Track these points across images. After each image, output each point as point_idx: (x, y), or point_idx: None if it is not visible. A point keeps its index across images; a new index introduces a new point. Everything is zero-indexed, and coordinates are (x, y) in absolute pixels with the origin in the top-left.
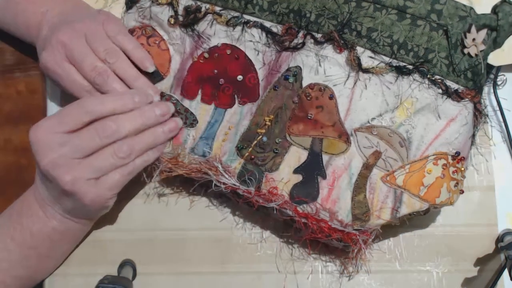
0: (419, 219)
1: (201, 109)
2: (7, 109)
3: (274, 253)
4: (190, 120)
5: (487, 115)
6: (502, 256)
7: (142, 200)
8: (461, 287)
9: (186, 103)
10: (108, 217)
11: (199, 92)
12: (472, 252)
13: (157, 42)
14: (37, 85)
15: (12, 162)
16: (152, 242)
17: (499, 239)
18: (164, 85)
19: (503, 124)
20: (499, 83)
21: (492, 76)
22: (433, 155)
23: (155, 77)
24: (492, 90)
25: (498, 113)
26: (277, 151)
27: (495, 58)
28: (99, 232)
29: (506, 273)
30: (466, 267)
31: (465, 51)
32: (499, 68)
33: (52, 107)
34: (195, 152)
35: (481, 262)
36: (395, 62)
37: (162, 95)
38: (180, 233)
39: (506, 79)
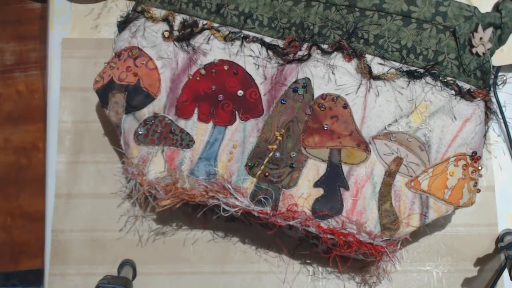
0: None
1: (198, 129)
2: (7, 109)
3: (274, 253)
4: (186, 141)
5: (496, 113)
6: (502, 256)
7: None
8: (461, 287)
9: (182, 123)
10: (109, 217)
11: (196, 111)
12: (472, 252)
13: (144, 62)
14: (37, 85)
15: (12, 161)
16: (152, 242)
17: (499, 239)
18: (157, 105)
19: (503, 124)
20: (499, 83)
21: (492, 76)
22: (453, 156)
23: (145, 98)
24: (492, 90)
25: (498, 113)
26: (293, 165)
27: (495, 58)
28: (99, 232)
29: (506, 273)
30: (466, 267)
31: (473, 50)
32: (499, 68)
33: (52, 107)
34: (196, 174)
35: (481, 262)
36: (405, 67)
37: (156, 116)
38: (180, 233)
39: (506, 79)
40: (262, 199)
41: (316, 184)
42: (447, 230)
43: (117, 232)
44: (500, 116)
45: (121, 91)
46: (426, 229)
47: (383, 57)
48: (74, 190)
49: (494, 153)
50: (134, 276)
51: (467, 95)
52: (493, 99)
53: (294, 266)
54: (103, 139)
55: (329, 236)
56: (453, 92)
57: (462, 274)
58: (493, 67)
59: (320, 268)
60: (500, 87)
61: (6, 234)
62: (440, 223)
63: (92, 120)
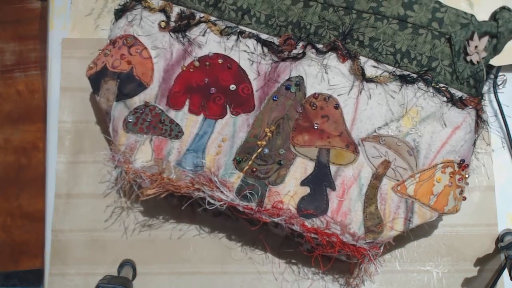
0: None
1: (188, 120)
2: (7, 109)
3: (274, 253)
4: (175, 132)
5: (487, 122)
6: (502, 256)
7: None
8: (461, 287)
9: (172, 114)
10: (108, 217)
11: (187, 102)
12: (472, 252)
13: (139, 51)
14: (37, 85)
15: (12, 162)
16: (152, 242)
17: (499, 239)
18: (149, 95)
19: (503, 124)
20: (499, 83)
21: (492, 76)
22: (441, 163)
23: (137, 86)
24: (492, 90)
25: (498, 113)
26: (281, 162)
27: (495, 58)
28: (99, 232)
29: (506, 273)
30: (466, 267)
31: (468, 58)
32: (499, 68)
33: (52, 107)
34: (183, 165)
35: (481, 262)
36: (399, 71)
37: (147, 105)
38: (180, 233)
39: (506, 79)
40: (248, 194)
41: (303, 183)
42: (447, 230)
43: (117, 232)
44: (500, 116)
45: (113, 78)
46: (426, 228)
47: (377, 60)
48: (74, 190)
49: (494, 154)
50: (134, 276)
51: (458, 103)
52: (485, 108)
53: (280, 264)
54: (103, 139)
55: (312, 235)
56: (445, 99)
57: (462, 274)
58: (493, 67)
59: (305, 269)
60: (500, 87)
61: (6, 234)
62: (440, 223)
63: (92, 120)
